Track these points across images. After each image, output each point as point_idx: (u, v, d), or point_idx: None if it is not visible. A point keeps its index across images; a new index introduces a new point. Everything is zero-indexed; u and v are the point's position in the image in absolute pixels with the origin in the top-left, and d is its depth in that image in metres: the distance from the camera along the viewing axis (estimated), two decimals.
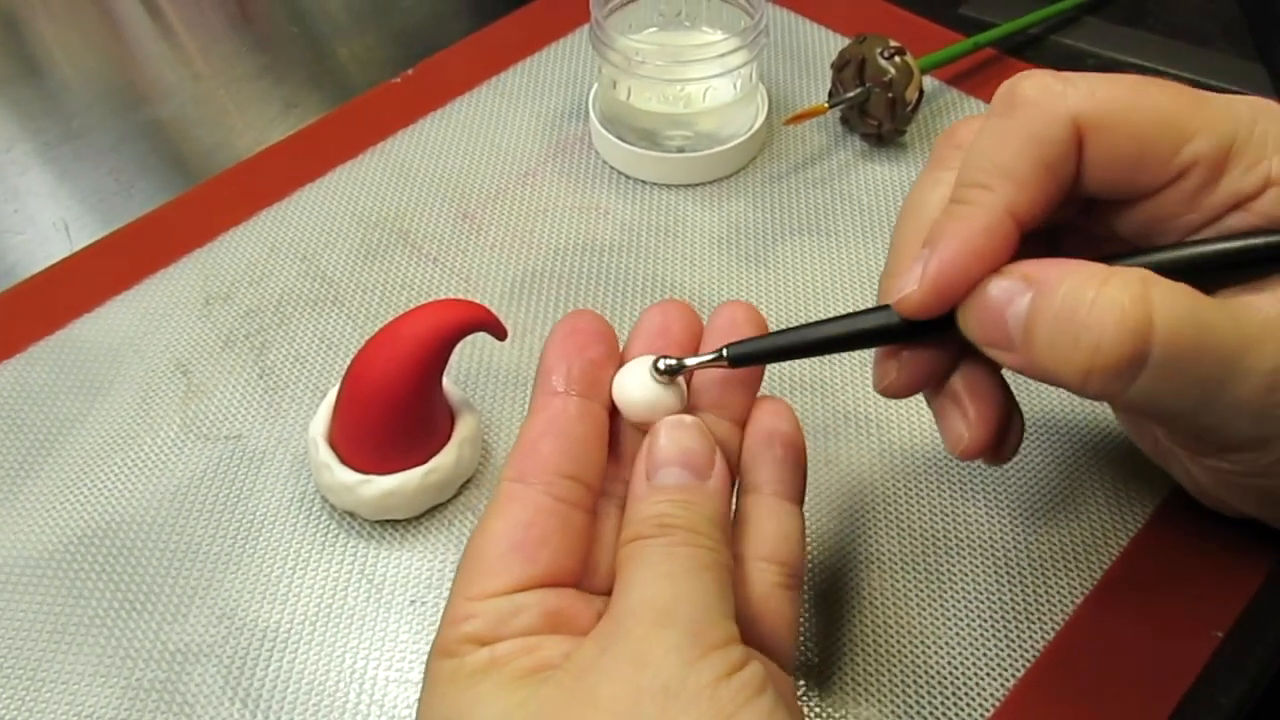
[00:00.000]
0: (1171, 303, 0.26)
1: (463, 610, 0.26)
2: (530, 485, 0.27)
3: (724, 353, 0.29)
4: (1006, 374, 0.31)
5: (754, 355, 0.29)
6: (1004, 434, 0.31)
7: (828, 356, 0.44)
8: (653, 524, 0.26)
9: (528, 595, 0.26)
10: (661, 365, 0.29)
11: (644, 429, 0.29)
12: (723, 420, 0.31)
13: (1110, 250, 0.30)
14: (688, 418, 0.29)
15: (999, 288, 0.27)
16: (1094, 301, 0.26)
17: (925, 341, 0.30)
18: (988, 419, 0.30)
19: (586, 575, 0.28)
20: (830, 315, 0.45)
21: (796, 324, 0.30)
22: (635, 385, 0.29)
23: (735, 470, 0.31)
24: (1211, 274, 0.28)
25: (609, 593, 0.27)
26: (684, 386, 0.30)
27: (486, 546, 0.27)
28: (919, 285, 0.28)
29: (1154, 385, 0.26)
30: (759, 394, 0.32)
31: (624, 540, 0.27)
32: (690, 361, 0.29)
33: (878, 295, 0.31)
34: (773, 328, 0.44)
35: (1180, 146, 0.28)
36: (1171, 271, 0.27)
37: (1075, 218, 0.31)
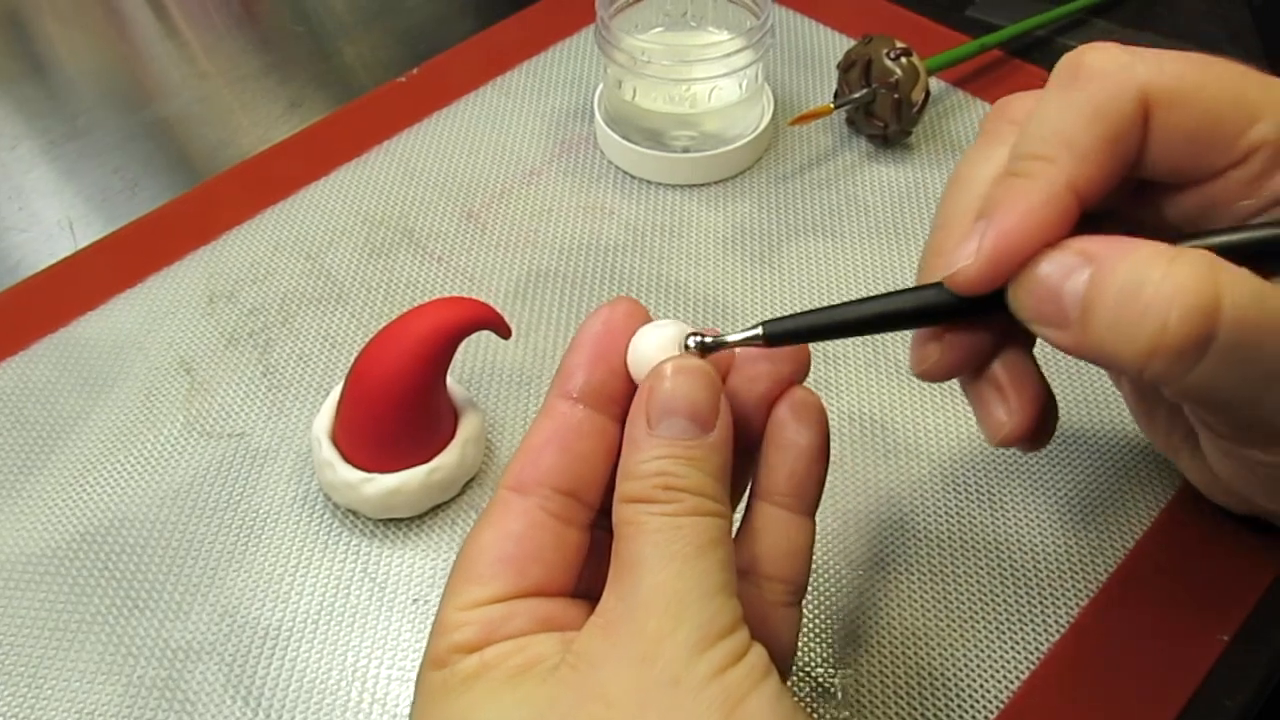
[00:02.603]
0: (1239, 286, 0.25)
1: (453, 620, 0.26)
2: (527, 497, 0.26)
3: (760, 330, 0.28)
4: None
5: (792, 334, 0.28)
6: (1043, 421, 0.30)
7: (833, 359, 0.44)
8: (655, 484, 0.25)
9: (518, 603, 0.26)
10: (692, 343, 0.27)
11: None
12: (755, 389, 0.29)
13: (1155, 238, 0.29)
14: (693, 362, 0.27)
15: (1054, 263, 0.26)
16: (1161, 280, 0.25)
17: (970, 322, 0.29)
18: (1028, 406, 0.29)
19: (577, 585, 0.27)
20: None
21: (834, 303, 0.29)
22: (658, 353, 0.27)
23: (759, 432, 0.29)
24: (1268, 260, 0.27)
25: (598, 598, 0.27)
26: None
27: (478, 556, 0.26)
28: (975, 258, 0.27)
29: (1215, 370, 0.25)
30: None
31: (623, 496, 0.26)
32: (731, 338, 0.28)
33: (918, 274, 0.30)
34: None
35: (1247, 128, 0.27)
36: (1229, 255, 0.26)
37: (1122, 203, 0.30)
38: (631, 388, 0.28)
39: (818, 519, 0.39)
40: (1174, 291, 0.24)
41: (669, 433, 0.26)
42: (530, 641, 0.25)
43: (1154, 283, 0.25)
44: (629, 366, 0.28)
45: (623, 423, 0.28)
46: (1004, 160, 0.28)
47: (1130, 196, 0.30)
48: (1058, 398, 0.42)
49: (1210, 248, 0.26)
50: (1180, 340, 0.25)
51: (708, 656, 0.24)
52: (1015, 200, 0.27)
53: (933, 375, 0.30)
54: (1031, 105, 0.29)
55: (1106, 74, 0.27)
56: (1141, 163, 0.28)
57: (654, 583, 0.25)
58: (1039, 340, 0.29)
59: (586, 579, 0.28)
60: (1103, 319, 0.25)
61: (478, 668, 0.25)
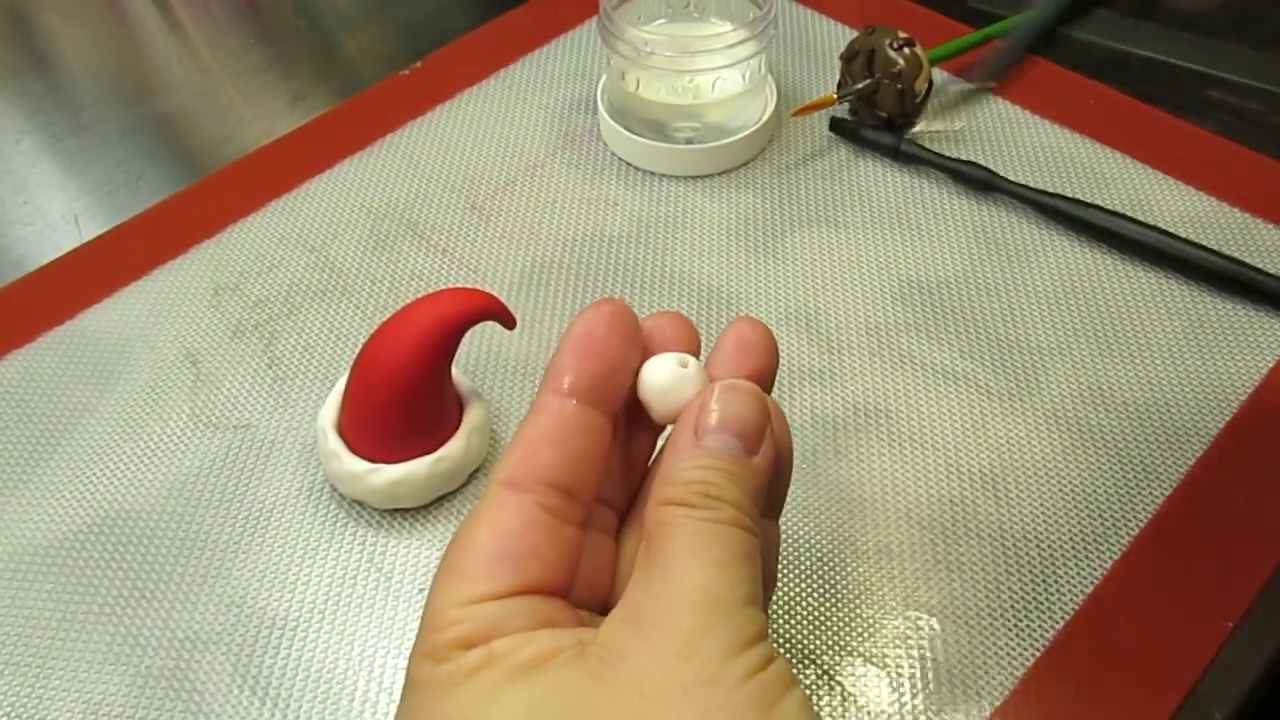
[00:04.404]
0: None
1: (449, 616, 0.25)
2: (523, 493, 0.26)
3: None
4: None
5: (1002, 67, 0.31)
6: None
7: (838, 349, 0.44)
8: (695, 490, 0.25)
9: (517, 601, 0.25)
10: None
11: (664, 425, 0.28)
12: None
13: None
14: (743, 383, 0.27)
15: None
16: None
17: None
18: None
19: (573, 589, 0.27)
20: (841, 303, 0.45)
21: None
22: (666, 379, 0.27)
23: None
24: None
25: (592, 607, 0.27)
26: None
27: (473, 551, 0.26)
28: None
29: None
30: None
31: (661, 500, 0.26)
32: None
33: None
34: (781, 322, 0.45)
35: None
36: None
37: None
38: (625, 383, 0.28)
39: (824, 508, 0.39)
40: None
41: (715, 447, 0.26)
42: (537, 635, 0.25)
43: None
44: (642, 393, 0.28)
45: (615, 419, 0.28)
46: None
47: None
48: (1056, 388, 0.42)
49: None
50: None
51: (741, 660, 0.24)
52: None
53: None
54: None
55: None
56: None
57: (692, 583, 0.24)
58: None
59: (579, 587, 0.27)
60: None
61: (485, 658, 0.24)
